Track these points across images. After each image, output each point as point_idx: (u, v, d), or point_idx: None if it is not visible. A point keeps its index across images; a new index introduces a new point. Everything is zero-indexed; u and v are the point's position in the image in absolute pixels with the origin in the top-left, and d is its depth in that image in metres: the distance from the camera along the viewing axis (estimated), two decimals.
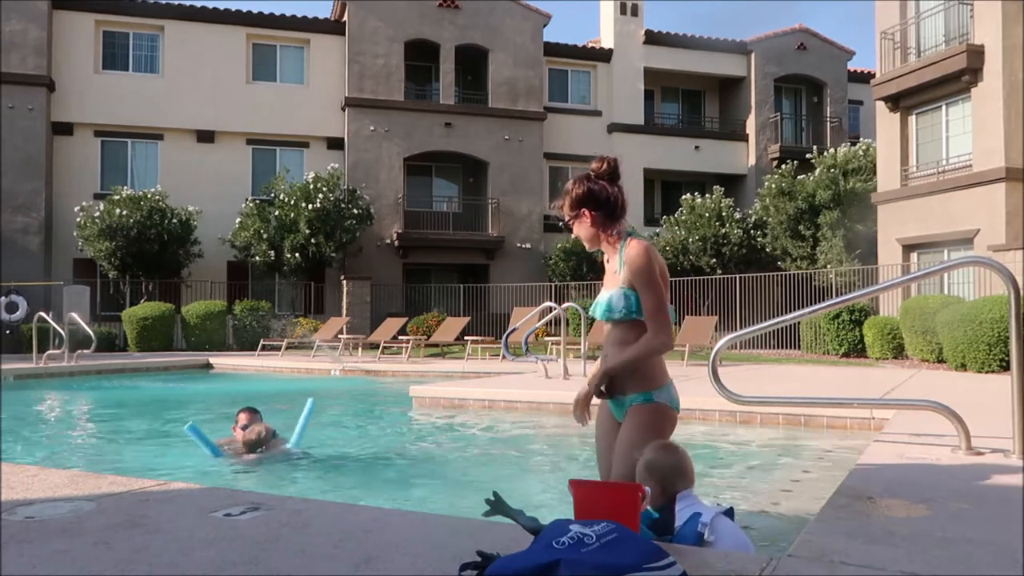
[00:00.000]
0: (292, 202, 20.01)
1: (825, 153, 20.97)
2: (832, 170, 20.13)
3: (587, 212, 2.84)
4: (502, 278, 22.73)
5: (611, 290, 2.80)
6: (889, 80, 17.20)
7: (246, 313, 19.18)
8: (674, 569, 1.73)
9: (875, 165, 19.47)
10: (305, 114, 22.57)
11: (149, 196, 19.58)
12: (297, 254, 20.01)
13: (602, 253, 2.94)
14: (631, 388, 2.75)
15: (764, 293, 18.75)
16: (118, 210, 18.81)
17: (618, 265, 2.81)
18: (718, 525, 2.46)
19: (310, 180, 20.38)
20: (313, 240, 19.90)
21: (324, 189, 20.06)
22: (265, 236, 20.06)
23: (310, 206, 19.72)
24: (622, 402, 2.79)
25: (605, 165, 2.84)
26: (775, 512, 4.01)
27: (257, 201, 20.81)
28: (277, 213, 20.11)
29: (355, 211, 20.46)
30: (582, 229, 2.88)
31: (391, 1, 22.71)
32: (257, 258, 20.27)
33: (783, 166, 21.92)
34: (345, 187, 21.04)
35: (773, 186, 21.07)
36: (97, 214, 18.96)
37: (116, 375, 13.07)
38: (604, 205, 2.82)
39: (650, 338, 2.68)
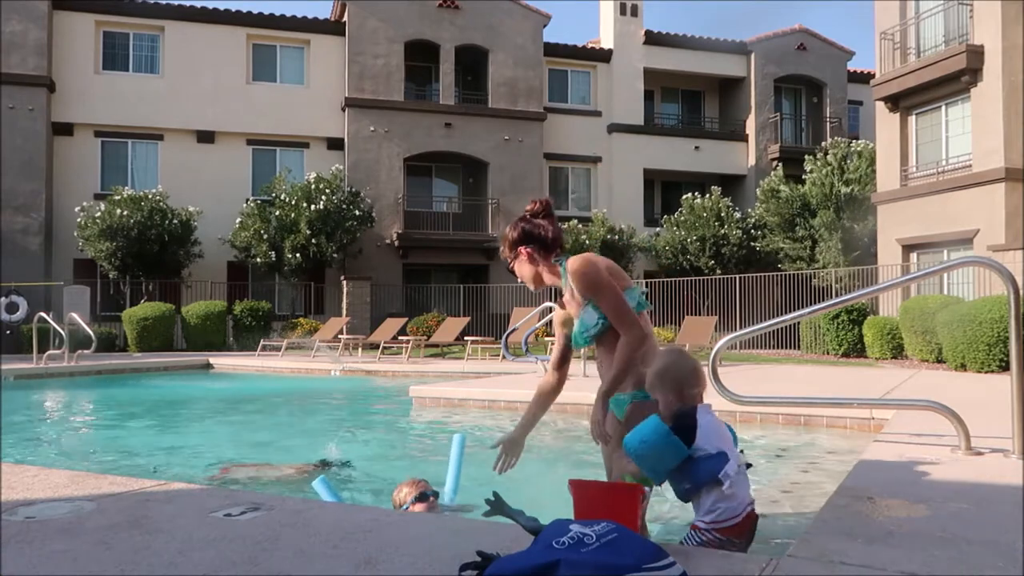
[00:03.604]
0: (293, 202, 20.01)
1: (819, 156, 20.95)
2: (828, 167, 20.15)
3: (523, 250, 2.94)
4: (502, 278, 22.72)
5: (580, 314, 2.85)
6: (889, 80, 17.20)
7: (246, 313, 19.17)
8: (674, 569, 1.73)
9: (871, 163, 19.53)
10: (305, 114, 22.57)
11: (150, 197, 19.58)
12: (298, 254, 20.00)
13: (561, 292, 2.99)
14: (630, 386, 2.77)
15: (764, 293, 18.75)
16: (119, 210, 18.81)
17: (571, 289, 2.86)
18: (739, 485, 2.39)
19: (312, 181, 20.38)
20: (314, 241, 19.89)
21: (327, 191, 20.07)
22: (266, 236, 20.06)
23: (311, 207, 19.72)
24: (623, 400, 2.80)
25: (538, 205, 2.99)
26: (775, 512, 4.00)
27: (258, 201, 20.81)
28: (277, 213, 20.10)
29: (356, 212, 20.47)
30: (522, 268, 2.97)
31: (391, 1, 22.71)
32: (258, 259, 20.26)
33: (774, 171, 22.00)
34: (347, 189, 21.03)
35: (767, 188, 21.15)
36: (98, 214, 18.96)
37: (116, 375, 13.07)
38: (537, 239, 2.93)
39: (624, 341, 2.70)
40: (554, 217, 2.99)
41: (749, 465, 2.52)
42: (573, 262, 2.79)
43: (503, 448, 3.08)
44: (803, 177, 20.85)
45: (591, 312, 2.78)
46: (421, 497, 3.83)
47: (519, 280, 3.06)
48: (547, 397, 3.23)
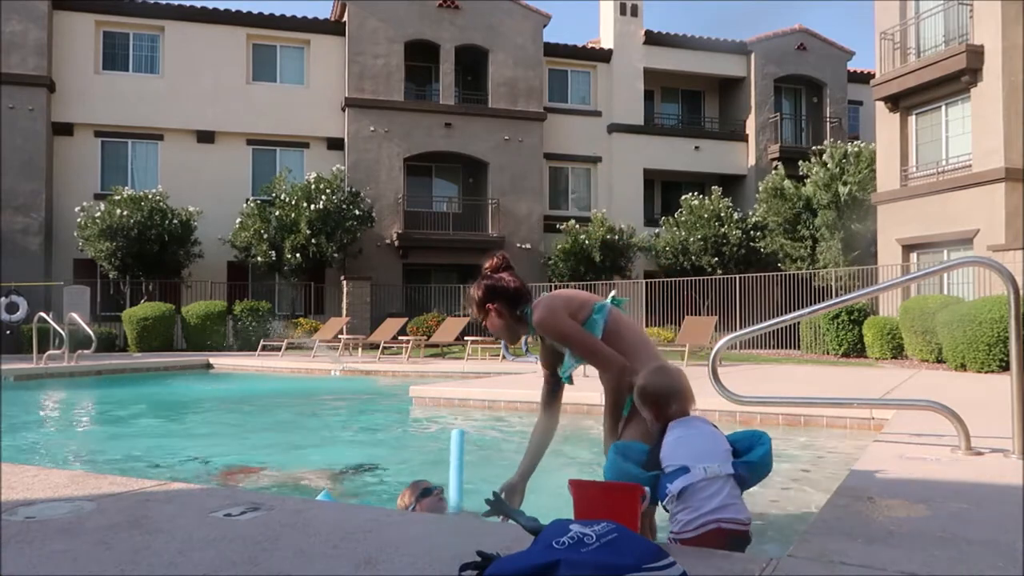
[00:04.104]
0: (293, 202, 20.00)
1: (815, 158, 20.97)
2: (828, 169, 20.16)
3: (491, 307, 2.98)
4: None
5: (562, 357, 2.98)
6: (889, 80, 17.20)
7: (246, 313, 19.17)
8: (674, 569, 1.73)
9: (869, 164, 19.54)
10: (305, 114, 22.57)
11: (150, 197, 19.58)
12: (298, 254, 20.00)
13: (539, 337, 3.05)
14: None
15: (764, 293, 18.75)
16: (119, 210, 18.80)
17: (538, 337, 3.00)
18: (697, 497, 2.33)
19: (312, 180, 20.38)
20: (314, 240, 19.89)
21: (327, 191, 20.07)
22: (266, 236, 20.05)
23: (311, 207, 19.71)
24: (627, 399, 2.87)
25: (497, 260, 3.05)
26: (775, 512, 4.01)
27: (258, 201, 20.80)
28: (277, 213, 20.08)
29: (356, 212, 20.47)
30: (494, 323, 3.02)
31: (391, 1, 22.71)
32: (259, 259, 20.24)
33: (775, 170, 21.96)
34: (347, 189, 21.01)
35: (770, 186, 21.12)
36: (98, 214, 18.95)
37: (116, 375, 13.07)
38: (501, 293, 2.97)
39: (605, 379, 2.81)
40: (513, 269, 3.06)
41: (739, 478, 2.40)
42: (536, 312, 2.87)
43: (504, 496, 3.10)
44: (806, 178, 20.84)
45: (568, 354, 2.91)
46: (425, 493, 3.68)
47: (495, 338, 3.12)
48: (543, 440, 3.25)
